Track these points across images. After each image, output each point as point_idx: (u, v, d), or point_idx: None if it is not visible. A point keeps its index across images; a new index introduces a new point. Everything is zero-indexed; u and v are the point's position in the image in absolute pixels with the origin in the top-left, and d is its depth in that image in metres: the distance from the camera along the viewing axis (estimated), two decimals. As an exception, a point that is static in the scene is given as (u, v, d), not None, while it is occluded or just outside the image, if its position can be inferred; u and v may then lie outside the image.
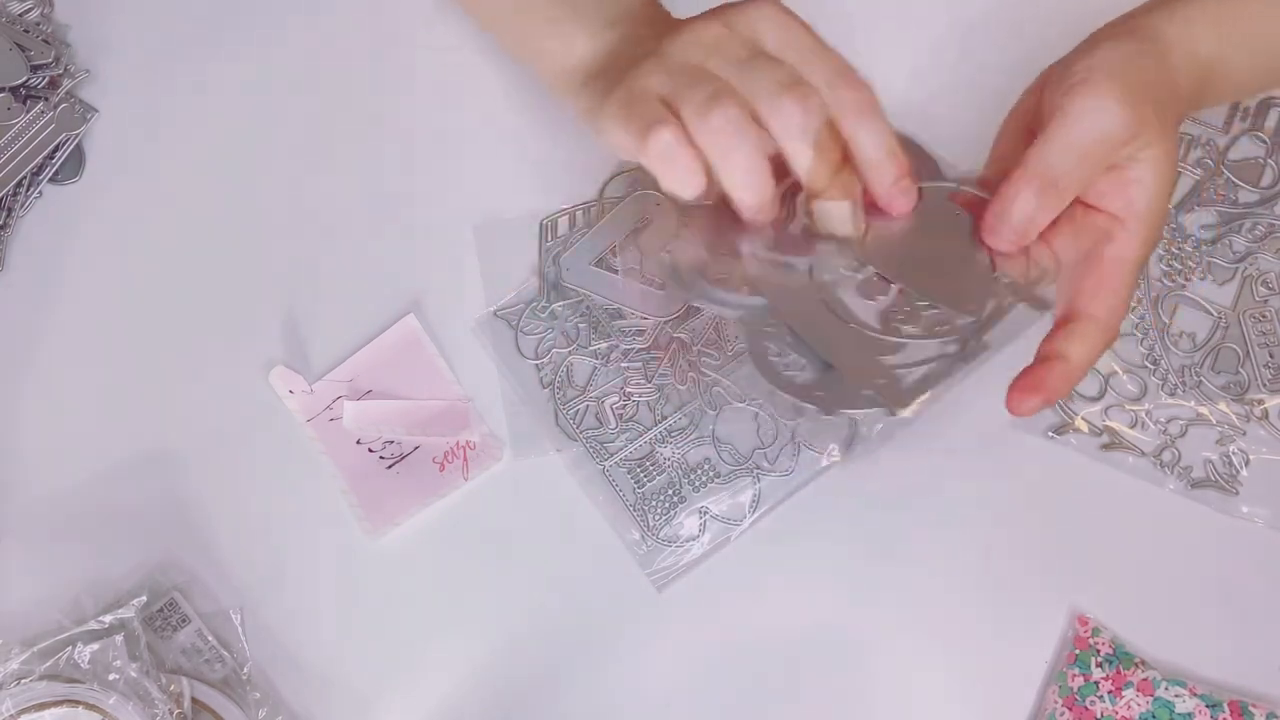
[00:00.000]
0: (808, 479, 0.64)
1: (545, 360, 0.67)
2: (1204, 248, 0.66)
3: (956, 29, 0.71)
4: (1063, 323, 0.54)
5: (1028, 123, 0.54)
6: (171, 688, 0.61)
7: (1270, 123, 0.67)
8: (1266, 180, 0.67)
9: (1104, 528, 0.63)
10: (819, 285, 0.53)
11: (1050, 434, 0.64)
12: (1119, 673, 0.60)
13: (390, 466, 0.66)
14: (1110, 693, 0.60)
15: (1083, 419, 0.64)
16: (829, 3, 0.58)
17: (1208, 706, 0.59)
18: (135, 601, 0.62)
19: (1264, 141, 0.67)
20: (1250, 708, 0.59)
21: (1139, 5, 0.56)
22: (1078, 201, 0.53)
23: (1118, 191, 0.52)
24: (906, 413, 0.51)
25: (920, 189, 0.53)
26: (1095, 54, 0.52)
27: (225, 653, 0.63)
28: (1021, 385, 0.53)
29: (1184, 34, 0.53)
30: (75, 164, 0.71)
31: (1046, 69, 0.55)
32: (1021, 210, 0.51)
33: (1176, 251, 0.66)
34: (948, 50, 0.70)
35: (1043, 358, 0.53)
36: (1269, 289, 0.65)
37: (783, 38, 0.52)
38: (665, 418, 0.65)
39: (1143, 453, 0.64)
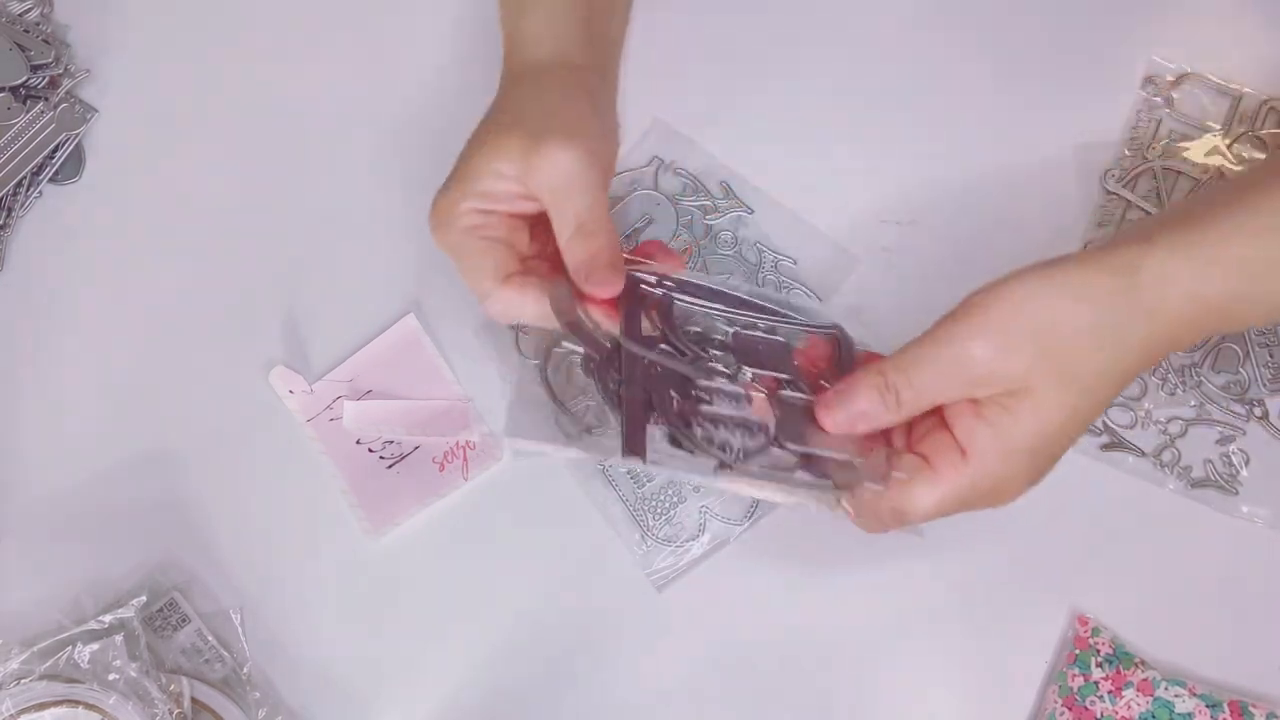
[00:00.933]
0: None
1: (545, 360, 0.67)
2: (1205, 248, 0.66)
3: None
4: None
5: None
6: (171, 688, 0.61)
7: (1269, 125, 0.67)
8: (1267, 180, 0.66)
9: (1104, 528, 0.63)
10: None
11: (1050, 434, 0.64)
12: (1119, 673, 0.60)
13: (390, 466, 0.66)
14: (1110, 693, 0.60)
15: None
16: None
17: (1208, 706, 0.59)
18: (135, 601, 0.62)
19: (1263, 143, 0.67)
20: (1250, 708, 0.59)
21: (1146, 230, 0.52)
22: (939, 411, 0.52)
23: (968, 424, 0.51)
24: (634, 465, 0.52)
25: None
26: (1011, 285, 0.50)
27: (225, 653, 0.63)
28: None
29: (1169, 281, 0.50)
30: (75, 164, 0.71)
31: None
32: (856, 403, 0.51)
33: (1177, 251, 0.66)
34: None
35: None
36: (1269, 289, 0.65)
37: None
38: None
39: (1143, 452, 0.64)
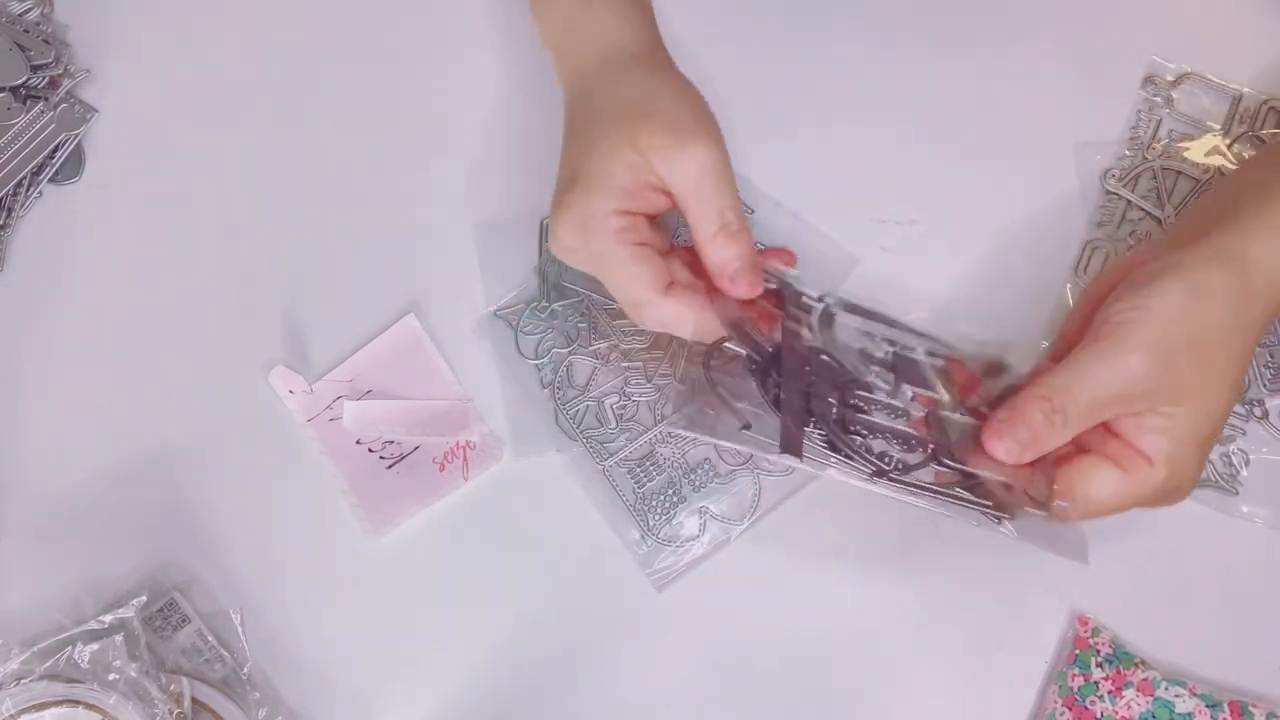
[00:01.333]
0: (808, 479, 0.64)
1: (545, 360, 0.67)
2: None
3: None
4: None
5: (1095, 309, 0.55)
6: (171, 688, 0.61)
7: (1269, 125, 0.67)
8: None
9: (1104, 527, 0.63)
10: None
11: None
12: (1119, 673, 0.60)
13: (390, 466, 0.66)
14: (1110, 693, 0.60)
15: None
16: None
17: (1208, 706, 0.59)
18: (135, 601, 0.62)
19: (1263, 143, 0.67)
20: (1250, 708, 0.59)
21: (1232, 214, 0.54)
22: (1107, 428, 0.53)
23: (1142, 434, 0.52)
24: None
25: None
26: (1150, 297, 0.52)
27: (225, 653, 0.63)
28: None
29: (1266, 250, 0.53)
30: (75, 164, 0.71)
31: (1131, 255, 0.55)
32: (1026, 427, 0.52)
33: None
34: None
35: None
36: (1270, 289, 0.65)
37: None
38: (665, 418, 0.65)
39: (1142, 452, 0.64)
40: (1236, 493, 0.63)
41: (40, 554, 0.65)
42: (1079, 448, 0.54)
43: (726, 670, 0.63)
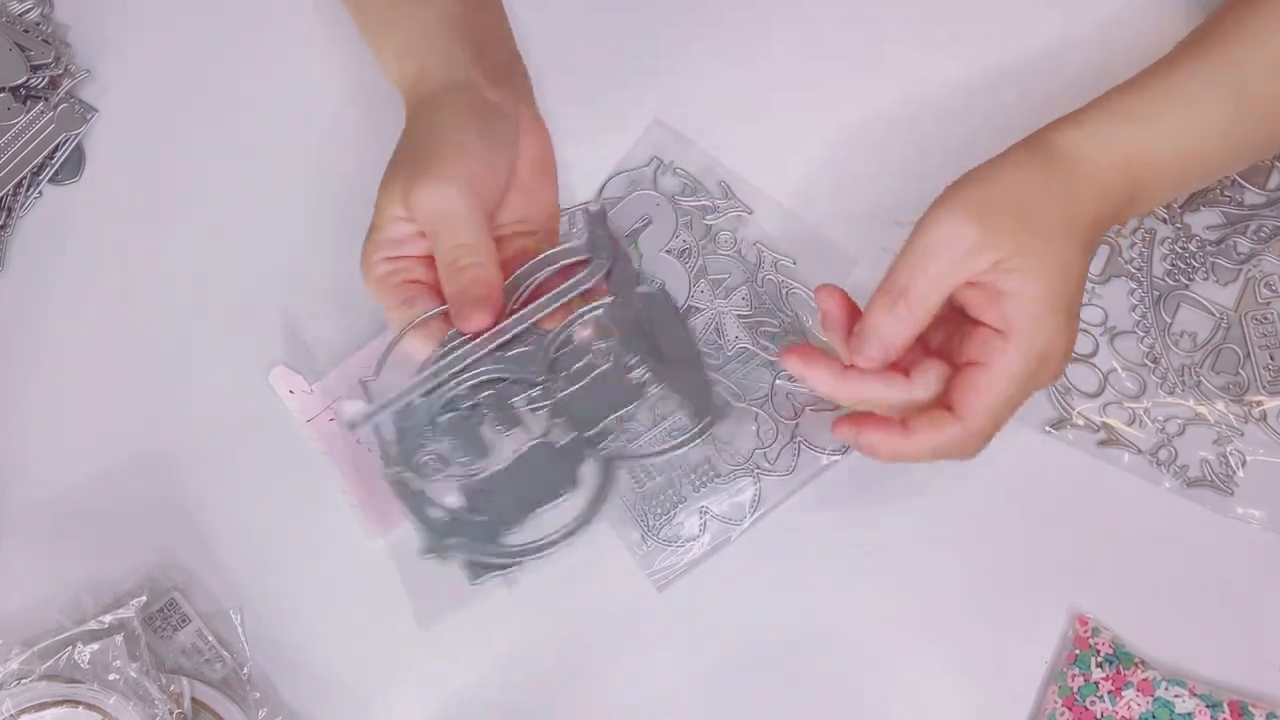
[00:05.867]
0: (808, 479, 0.64)
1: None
2: (1208, 248, 0.66)
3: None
4: (935, 405, 0.54)
5: None
6: (171, 688, 0.61)
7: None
8: (1273, 183, 0.67)
9: (1103, 527, 0.63)
10: None
11: (1047, 428, 0.64)
12: (1119, 673, 0.60)
13: (390, 466, 0.66)
14: (1110, 693, 0.60)
15: (1080, 414, 0.64)
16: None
17: (1208, 706, 0.59)
18: (135, 601, 0.62)
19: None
20: (1250, 708, 0.59)
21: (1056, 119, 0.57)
22: (964, 317, 0.54)
23: (990, 305, 0.53)
24: None
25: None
26: (972, 172, 0.54)
27: (225, 653, 0.63)
28: (851, 419, 0.56)
29: (1097, 142, 0.55)
30: (75, 164, 0.71)
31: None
32: (875, 326, 0.54)
33: (1180, 251, 0.66)
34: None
35: (889, 418, 0.55)
36: (1272, 291, 0.65)
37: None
38: (665, 418, 0.65)
39: (1139, 450, 0.64)
40: (1232, 493, 0.63)
41: (40, 554, 0.65)
42: (950, 362, 0.55)
43: (727, 670, 0.63)
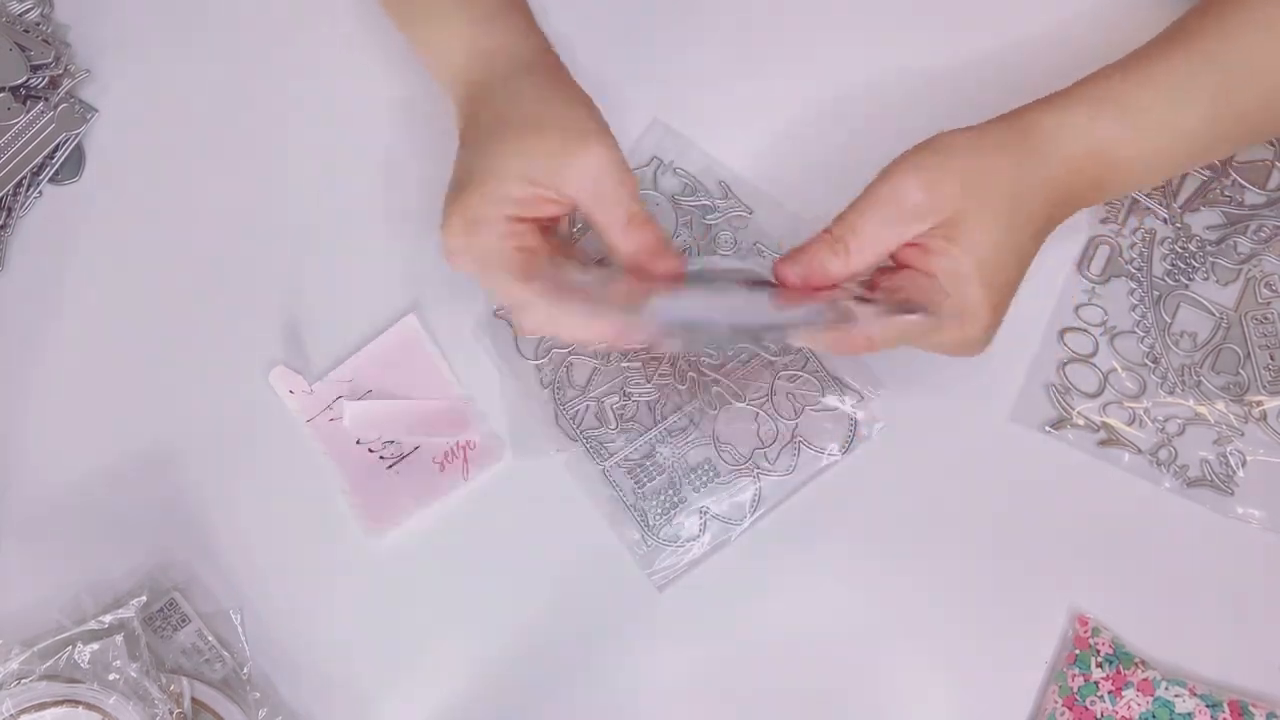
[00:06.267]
0: (808, 479, 0.64)
1: (545, 360, 0.67)
2: (1208, 248, 0.66)
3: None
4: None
5: None
6: (171, 688, 0.61)
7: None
8: (1273, 183, 0.67)
9: (1103, 527, 0.63)
10: None
11: (1047, 428, 0.64)
12: (1119, 673, 0.60)
13: (390, 466, 0.66)
14: (1110, 693, 0.60)
15: (1080, 414, 0.64)
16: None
17: (1208, 706, 0.59)
18: (135, 601, 0.62)
19: (1271, 144, 0.67)
20: (1250, 707, 0.59)
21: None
22: (907, 267, 0.56)
23: (926, 266, 0.55)
24: None
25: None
26: (929, 140, 0.56)
27: (225, 653, 0.63)
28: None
29: (1072, 126, 0.56)
30: (75, 164, 0.71)
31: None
32: (808, 257, 0.55)
33: (1180, 251, 0.66)
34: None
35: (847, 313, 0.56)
36: (1272, 291, 0.65)
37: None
38: (665, 418, 0.65)
39: (1139, 450, 0.64)
40: (1232, 493, 0.63)
41: (40, 554, 0.65)
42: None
43: (727, 670, 0.63)
